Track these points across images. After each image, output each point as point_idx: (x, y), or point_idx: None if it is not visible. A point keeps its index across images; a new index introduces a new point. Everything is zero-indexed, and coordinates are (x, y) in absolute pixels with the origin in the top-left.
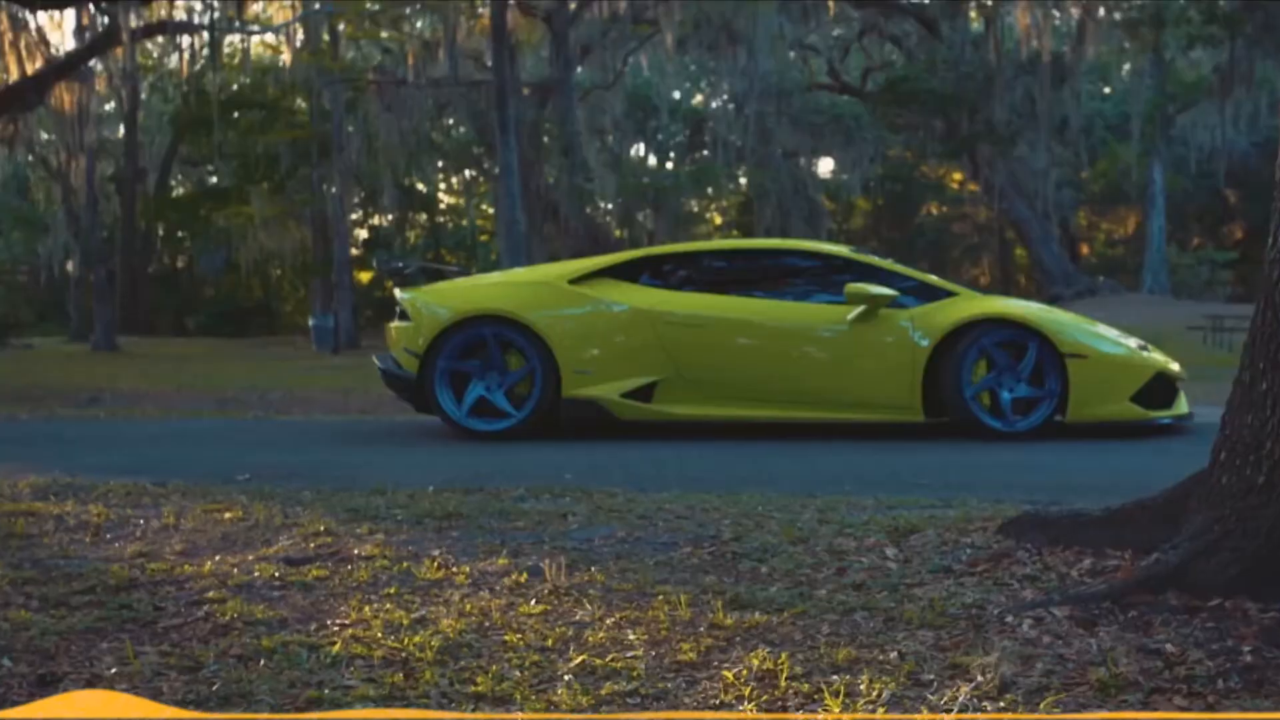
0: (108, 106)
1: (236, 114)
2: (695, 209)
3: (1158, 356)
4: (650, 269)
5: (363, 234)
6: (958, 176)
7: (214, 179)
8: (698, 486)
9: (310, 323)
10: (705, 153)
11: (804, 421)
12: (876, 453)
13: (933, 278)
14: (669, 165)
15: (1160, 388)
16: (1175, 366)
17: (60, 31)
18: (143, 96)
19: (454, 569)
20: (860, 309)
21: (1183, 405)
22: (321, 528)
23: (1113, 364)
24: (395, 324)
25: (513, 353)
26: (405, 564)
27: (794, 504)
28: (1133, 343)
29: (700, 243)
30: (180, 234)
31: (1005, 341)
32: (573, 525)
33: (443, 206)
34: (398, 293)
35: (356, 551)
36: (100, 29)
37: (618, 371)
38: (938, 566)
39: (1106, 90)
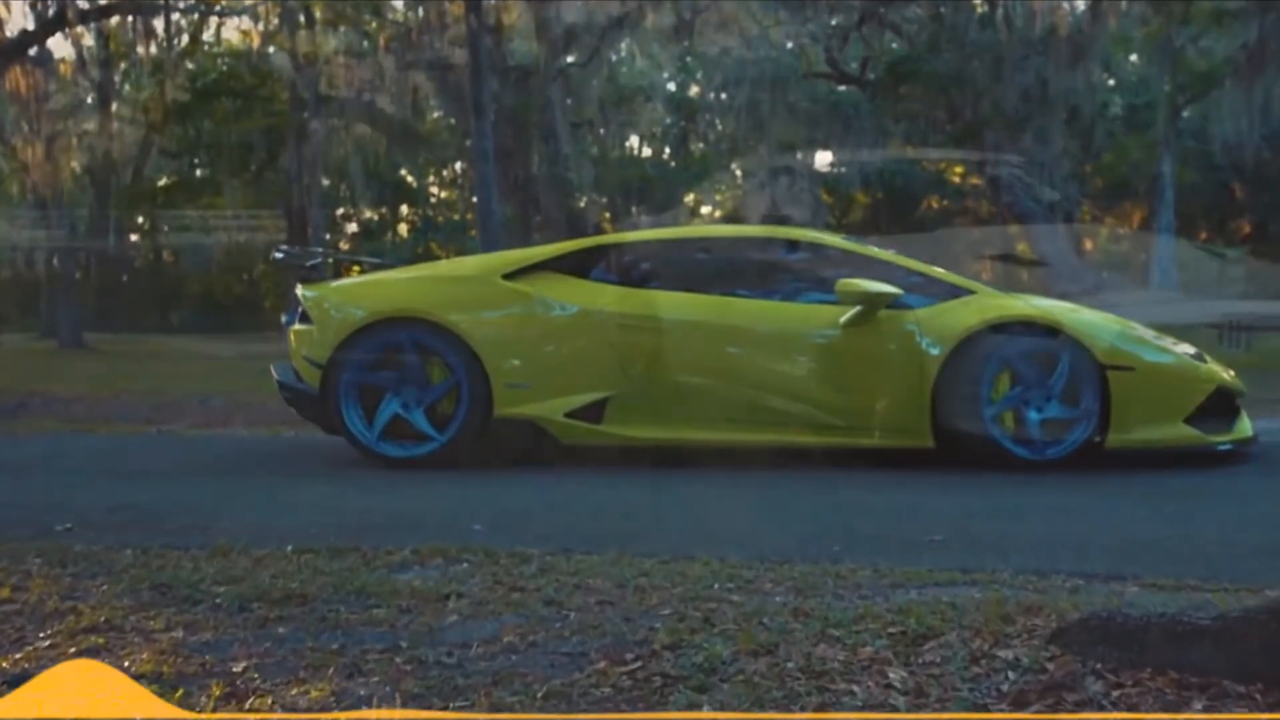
0: (88, 99)
1: (211, 102)
2: (691, 201)
3: (1216, 368)
4: (604, 262)
5: (351, 227)
6: (959, 169)
7: (198, 171)
8: (640, 543)
9: (283, 320)
10: (702, 145)
11: (786, 448)
12: (875, 492)
13: (942, 272)
14: (665, 155)
15: (1218, 405)
16: (1231, 377)
17: (27, 17)
18: (127, 88)
19: (246, 702)
20: (855, 310)
21: (1246, 427)
22: (103, 618)
23: (1164, 377)
24: (296, 327)
25: (435, 363)
26: (180, 690)
27: (761, 578)
28: (1186, 350)
29: (664, 230)
30: (167, 227)
31: (1033, 350)
32: (450, 617)
33: (433, 200)
34: (299, 290)
35: (127, 664)
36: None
37: (561, 386)
38: (967, 704)
39: (1111, 82)
